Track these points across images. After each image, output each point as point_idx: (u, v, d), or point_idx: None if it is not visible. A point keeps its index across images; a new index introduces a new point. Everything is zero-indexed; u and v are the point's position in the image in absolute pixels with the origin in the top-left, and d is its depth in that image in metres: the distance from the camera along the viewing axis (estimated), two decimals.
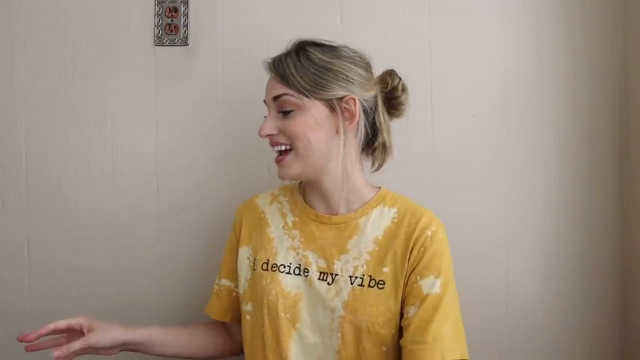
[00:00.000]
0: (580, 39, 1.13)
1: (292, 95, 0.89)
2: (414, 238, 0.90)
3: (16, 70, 1.18)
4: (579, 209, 1.14)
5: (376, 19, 1.15)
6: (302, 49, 0.92)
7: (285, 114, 0.90)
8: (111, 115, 1.17)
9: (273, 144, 0.93)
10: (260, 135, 0.92)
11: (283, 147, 0.91)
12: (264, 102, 0.95)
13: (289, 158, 0.91)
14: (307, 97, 0.89)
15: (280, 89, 0.90)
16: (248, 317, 0.94)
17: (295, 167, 0.91)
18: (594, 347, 1.14)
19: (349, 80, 0.90)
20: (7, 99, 1.18)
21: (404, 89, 0.97)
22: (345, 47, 0.94)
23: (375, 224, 0.93)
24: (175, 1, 1.14)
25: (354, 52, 0.94)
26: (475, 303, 1.12)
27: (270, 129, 0.91)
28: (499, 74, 1.14)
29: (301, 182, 1.01)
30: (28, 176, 1.18)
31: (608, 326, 1.14)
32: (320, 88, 0.89)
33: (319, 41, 0.93)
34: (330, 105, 0.90)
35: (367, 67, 0.95)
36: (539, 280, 1.14)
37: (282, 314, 0.90)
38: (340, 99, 0.90)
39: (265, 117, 0.94)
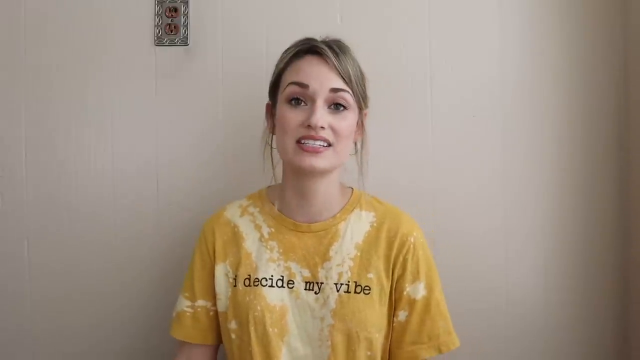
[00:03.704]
0: (580, 39, 1.13)
1: (351, 95, 0.88)
2: (396, 245, 0.91)
3: (16, 70, 1.17)
4: (579, 208, 1.14)
5: (376, 19, 1.15)
6: (348, 50, 0.91)
7: (337, 110, 0.88)
8: (111, 115, 1.17)
9: (316, 138, 0.86)
10: (316, 124, 0.84)
11: (324, 144, 0.87)
12: (298, 83, 0.87)
13: (328, 152, 0.87)
14: (356, 101, 0.90)
15: (342, 84, 0.87)
16: (233, 336, 0.90)
17: (328, 161, 0.87)
18: (592, 347, 1.14)
19: (366, 95, 0.94)
20: (7, 99, 1.18)
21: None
22: None
23: (355, 229, 0.93)
24: (175, 1, 1.14)
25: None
26: (473, 302, 1.12)
27: (324, 122, 0.86)
28: (498, 74, 1.14)
29: (269, 191, 0.99)
30: (28, 176, 1.18)
31: (608, 327, 1.14)
32: (365, 97, 0.93)
33: None
34: (359, 115, 0.92)
35: None
36: (538, 280, 1.14)
37: (270, 329, 0.87)
38: (361, 110, 0.93)
39: (302, 103, 0.87)
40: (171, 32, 1.14)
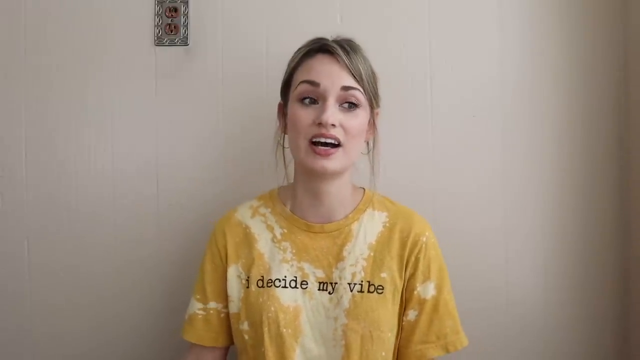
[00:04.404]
0: (580, 39, 1.13)
1: (362, 93, 0.88)
2: (409, 245, 0.91)
3: (16, 70, 1.17)
4: (579, 208, 1.14)
5: (376, 19, 1.15)
6: (359, 49, 0.91)
7: (349, 108, 0.88)
8: (111, 115, 1.17)
9: (327, 136, 0.85)
10: (327, 121, 0.84)
11: (335, 142, 0.86)
12: (309, 82, 0.87)
13: (338, 153, 0.87)
14: (368, 100, 0.90)
15: (353, 82, 0.88)
16: (246, 337, 0.89)
17: (339, 162, 0.87)
18: (592, 347, 1.14)
19: (378, 93, 0.94)
20: (7, 99, 1.18)
21: None
22: None
23: (368, 229, 0.93)
24: (175, 1, 1.14)
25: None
26: (473, 302, 1.12)
27: (335, 119, 0.85)
28: (498, 74, 1.14)
29: (280, 191, 0.98)
30: (28, 176, 1.18)
31: (608, 327, 1.14)
32: (377, 95, 0.92)
33: None
34: (371, 114, 0.92)
35: None
36: (538, 280, 1.14)
37: (284, 330, 0.87)
38: (372, 109, 0.93)
39: (313, 102, 0.87)
40: (171, 32, 1.14)
